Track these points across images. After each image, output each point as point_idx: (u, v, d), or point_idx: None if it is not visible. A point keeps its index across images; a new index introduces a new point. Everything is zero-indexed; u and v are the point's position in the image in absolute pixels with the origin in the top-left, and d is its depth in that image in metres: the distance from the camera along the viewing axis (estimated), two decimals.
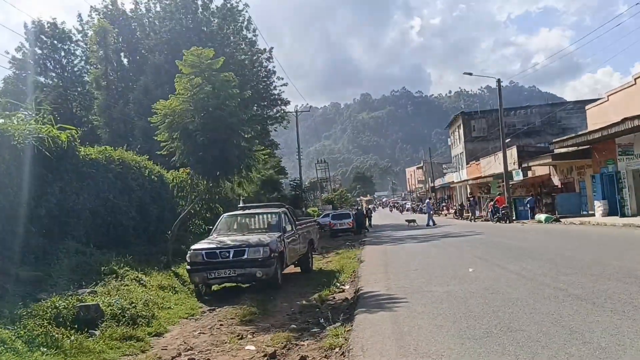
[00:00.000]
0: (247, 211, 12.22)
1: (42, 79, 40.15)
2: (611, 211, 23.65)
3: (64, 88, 39.31)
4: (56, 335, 5.97)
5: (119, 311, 7.27)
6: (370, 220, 39.26)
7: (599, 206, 24.42)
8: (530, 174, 35.15)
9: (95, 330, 6.61)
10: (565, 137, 26.26)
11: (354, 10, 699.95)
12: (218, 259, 9.96)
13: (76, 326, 6.48)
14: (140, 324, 7.24)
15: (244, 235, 10.91)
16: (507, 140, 47.19)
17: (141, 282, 9.67)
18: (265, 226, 11.87)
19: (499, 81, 32.05)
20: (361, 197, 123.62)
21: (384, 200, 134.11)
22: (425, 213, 66.77)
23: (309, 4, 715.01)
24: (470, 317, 5.60)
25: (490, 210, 33.83)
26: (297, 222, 12.71)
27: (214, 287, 10.70)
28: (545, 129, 55.13)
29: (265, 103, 45.46)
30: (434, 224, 33.71)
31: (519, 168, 35.83)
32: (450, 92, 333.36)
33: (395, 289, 8.08)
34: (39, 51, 40.55)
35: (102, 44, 35.02)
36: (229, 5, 40.25)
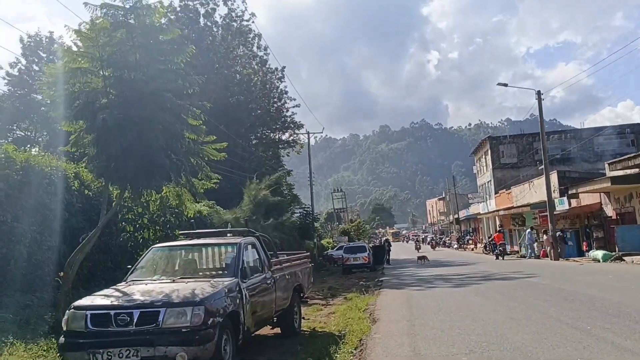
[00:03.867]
0: (189, 242, 7.73)
1: (39, 97, 37.08)
2: None
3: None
4: None
5: None
6: (388, 254, 33.96)
7: None
8: (574, 203, 30.06)
9: None
10: (630, 155, 21.40)
11: (370, 44, 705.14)
12: (111, 328, 5.50)
13: None
14: None
15: (174, 282, 6.44)
16: (540, 167, 42.52)
17: None
18: (219, 266, 7.38)
19: (539, 93, 27.48)
20: (380, 229, 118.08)
21: (403, 232, 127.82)
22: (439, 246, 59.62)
23: (325, 38, 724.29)
24: None
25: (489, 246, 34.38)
26: (275, 259, 8.22)
27: None
28: (581, 156, 50.24)
29: (278, 125, 41.71)
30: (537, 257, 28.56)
31: (561, 196, 30.79)
32: (470, 124, 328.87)
33: None
34: (36, 68, 37.58)
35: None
36: (233, 14, 36.83)
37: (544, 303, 9.38)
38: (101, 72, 6.65)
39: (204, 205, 20.51)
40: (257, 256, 7.54)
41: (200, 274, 6.92)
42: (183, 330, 5.43)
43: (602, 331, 6.54)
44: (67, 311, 5.81)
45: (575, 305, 8.86)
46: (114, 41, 6.53)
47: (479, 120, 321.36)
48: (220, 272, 6.94)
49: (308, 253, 10.06)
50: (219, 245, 7.47)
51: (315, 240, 43.54)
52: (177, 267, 7.10)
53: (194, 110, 7.14)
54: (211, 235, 8.01)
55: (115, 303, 5.73)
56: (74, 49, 8.24)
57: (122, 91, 6.47)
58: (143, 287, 6.29)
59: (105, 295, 6.10)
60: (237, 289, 6.42)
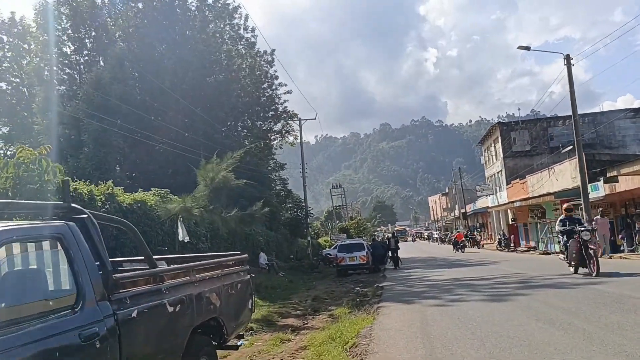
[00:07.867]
0: None
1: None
2: None
3: (23, 92, 32.12)
4: None
5: None
6: (395, 253, 25.17)
7: None
8: (608, 189, 25.46)
9: None
10: None
11: (368, 43, 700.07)
12: None
13: None
14: None
15: None
16: (565, 150, 38.03)
17: None
18: None
19: (567, 57, 22.90)
20: (382, 227, 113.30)
21: (406, 230, 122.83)
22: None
23: (322, 39, 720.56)
24: None
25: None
26: (138, 271, 3.71)
27: None
28: (600, 142, 45.66)
29: (270, 114, 37.39)
30: None
31: (591, 182, 26.14)
32: (470, 121, 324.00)
33: None
34: None
35: (45, 27, 27.72)
36: None
37: None
38: None
39: (153, 194, 16.04)
40: (66, 268, 3.02)
41: None
42: None
43: None
44: None
45: None
46: None
47: (479, 116, 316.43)
48: None
49: (244, 256, 5.47)
50: None
51: (309, 239, 38.94)
52: None
53: None
54: None
55: None
56: None
57: None
58: None
59: None
60: None
